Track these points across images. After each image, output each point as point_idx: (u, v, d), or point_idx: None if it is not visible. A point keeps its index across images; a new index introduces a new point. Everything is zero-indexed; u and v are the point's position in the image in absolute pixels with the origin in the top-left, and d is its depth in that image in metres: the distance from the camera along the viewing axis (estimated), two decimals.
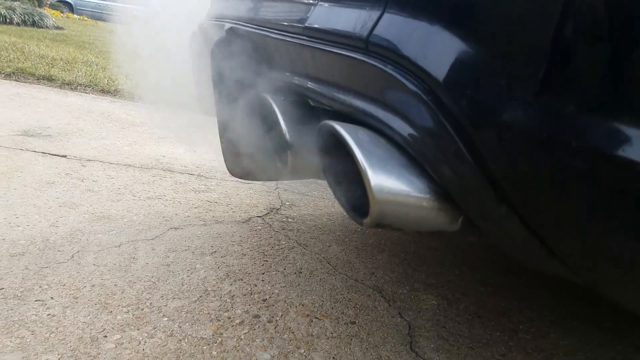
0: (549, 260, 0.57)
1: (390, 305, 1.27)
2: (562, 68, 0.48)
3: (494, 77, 0.52)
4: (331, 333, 1.11)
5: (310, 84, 0.83)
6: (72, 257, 1.26)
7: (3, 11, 7.99)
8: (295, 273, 1.36)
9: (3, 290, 1.07)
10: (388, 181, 0.61)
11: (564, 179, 0.50)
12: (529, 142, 0.50)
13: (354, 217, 0.70)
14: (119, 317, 1.05)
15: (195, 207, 1.73)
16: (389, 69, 0.61)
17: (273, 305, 1.19)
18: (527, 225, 0.55)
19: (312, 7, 0.81)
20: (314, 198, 2.03)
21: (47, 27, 8.80)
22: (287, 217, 1.78)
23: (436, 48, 0.57)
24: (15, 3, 8.81)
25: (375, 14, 0.65)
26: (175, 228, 1.53)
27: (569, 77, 0.47)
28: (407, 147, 0.62)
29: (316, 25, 0.78)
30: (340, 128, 0.65)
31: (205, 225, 1.59)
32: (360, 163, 0.60)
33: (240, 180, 2.07)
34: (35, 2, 11.31)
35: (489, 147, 0.53)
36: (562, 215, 0.52)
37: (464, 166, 0.56)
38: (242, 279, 1.28)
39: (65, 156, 2.05)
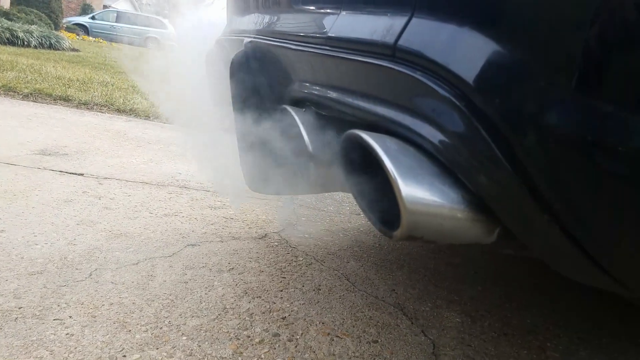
0: (593, 272, 0.54)
1: (412, 323, 1.23)
2: (607, 67, 0.46)
3: (531, 79, 0.50)
4: (353, 352, 1.08)
5: (333, 94, 0.82)
6: (90, 275, 1.25)
7: (21, 34, 8.20)
8: (313, 290, 1.34)
9: (22, 309, 1.06)
10: (419, 191, 0.59)
11: (608, 185, 0.47)
12: (570, 146, 0.48)
13: (383, 230, 0.67)
14: (137, 336, 1.03)
15: (212, 224, 1.72)
16: (418, 75, 0.59)
17: (293, 324, 1.16)
18: (569, 235, 0.52)
19: (335, 17, 0.80)
20: (330, 213, 2.01)
21: (63, 49, 9.01)
22: (303, 232, 1.76)
23: (468, 51, 0.55)
24: (32, 26, 9.05)
25: (402, 20, 0.63)
26: (193, 245, 1.52)
27: (615, 76, 0.45)
28: (439, 155, 0.59)
29: (340, 35, 0.77)
30: (367, 137, 0.63)
31: (222, 242, 1.57)
32: (390, 172, 0.58)
33: (255, 196, 2.06)
34: (52, 25, 11.61)
35: (528, 152, 0.51)
36: (607, 224, 0.49)
37: (500, 173, 0.54)
38: (260, 297, 1.26)
39: (82, 174, 2.06)
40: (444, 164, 0.60)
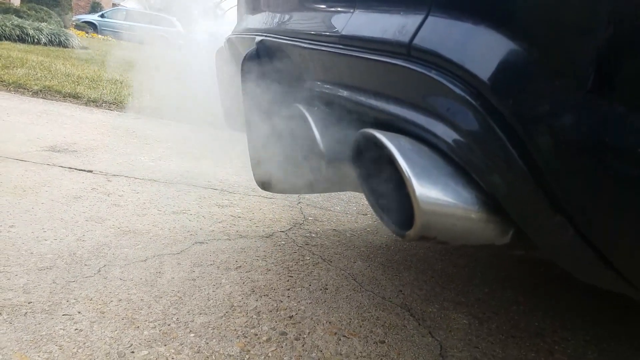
0: (607, 274, 0.53)
1: (419, 324, 1.23)
2: (624, 68, 0.45)
3: (548, 79, 0.50)
4: (360, 352, 1.08)
5: (346, 93, 0.82)
6: (99, 271, 1.25)
7: (31, 32, 8.26)
8: (320, 289, 1.34)
9: (31, 304, 1.07)
10: (434, 191, 0.58)
11: (623, 187, 0.47)
12: (586, 147, 0.47)
13: (394, 229, 0.67)
14: (145, 332, 1.03)
15: (220, 222, 1.72)
16: (433, 74, 0.59)
17: (300, 323, 1.16)
18: (583, 237, 0.52)
19: (349, 15, 0.80)
20: (337, 213, 2.01)
21: (72, 46, 9.07)
22: (310, 232, 1.75)
23: (484, 50, 0.54)
24: (42, 24, 9.11)
25: (417, 19, 0.63)
26: (200, 242, 1.52)
27: (633, 78, 0.45)
28: (453, 155, 0.59)
29: (353, 33, 0.77)
30: (381, 136, 0.62)
31: (230, 240, 1.58)
32: (405, 172, 0.58)
33: (262, 194, 2.06)
34: (61, 23, 11.69)
35: (543, 152, 0.50)
36: (622, 226, 0.49)
37: (515, 173, 0.53)
38: (267, 295, 1.26)
39: (91, 171, 2.07)
40: (458, 164, 0.60)
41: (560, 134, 0.49)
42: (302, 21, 1.00)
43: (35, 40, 8.28)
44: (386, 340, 1.14)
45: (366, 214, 2.05)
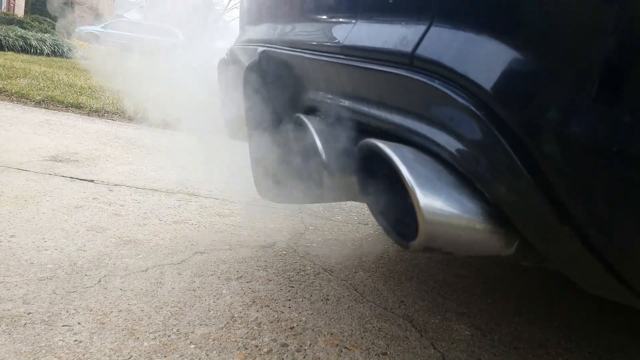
0: (615, 286, 0.53)
1: (422, 335, 1.22)
2: (631, 74, 0.45)
3: (553, 87, 0.50)
4: None
5: (348, 103, 0.82)
6: (99, 281, 1.24)
7: (34, 42, 8.32)
8: (322, 300, 1.33)
9: (31, 314, 1.06)
10: (438, 201, 0.58)
11: (632, 196, 0.46)
12: (593, 155, 0.47)
13: (398, 240, 0.66)
14: (145, 344, 1.02)
15: (220, 232, 1.71)
16: (436, 84, 0.59)
17: (301, 334, 1.15)
18: (591, 248, 0.51)
19: (351, 26, 0.80)
20: (338, 223, 2.00)
21: (75, 57, 9.12)
22: (311, 241, 1.75)
23: (488, 60, 0.54)
24: (45, 35, 9.18)
25: (420, 28, 0.63)
26: (201, 252, 1.51)
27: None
28: (457, 165, 0.59)
29: (356, 44, 0.77)
30: (384, 146, 0.62)
31: (231, 250, 1.57)
32: (408, 182, 0.58)
33: (263, 204, 2.05)
34: (64, 34, 11.78)
35: (549, 161, 0.50)
36: (630, 236, 0.48)
37: (520, 183, 0.53)
38: (268, 306, 1.25)
39: (92, 181, 2.06)
40: (462, 174, 0.60)
41: (566, 143, 0.49)
42: (304, 32, 1.00)
43: (38, 50, 8.35)
44: (388, 352, 1.12)
45: (367, 224, 2.04)
